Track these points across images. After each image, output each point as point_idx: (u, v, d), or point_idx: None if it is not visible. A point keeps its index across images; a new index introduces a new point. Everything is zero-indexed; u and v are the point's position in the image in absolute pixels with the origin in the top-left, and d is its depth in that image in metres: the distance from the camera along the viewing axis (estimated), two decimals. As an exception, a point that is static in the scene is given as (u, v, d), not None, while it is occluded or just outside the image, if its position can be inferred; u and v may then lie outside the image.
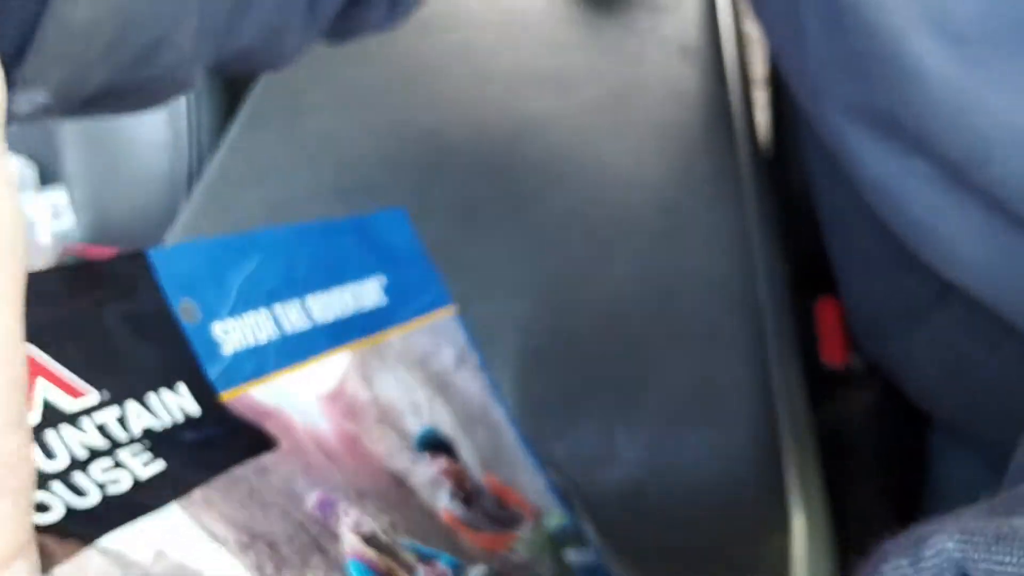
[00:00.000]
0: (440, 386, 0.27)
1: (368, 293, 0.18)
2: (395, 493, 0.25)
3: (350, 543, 0.24)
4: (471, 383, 0.27)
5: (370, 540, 0.24)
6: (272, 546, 0.23)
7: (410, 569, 0.24)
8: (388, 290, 0.18)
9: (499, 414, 0.28)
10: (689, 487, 0.38)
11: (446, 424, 0.26)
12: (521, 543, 0.27)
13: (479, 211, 0.44)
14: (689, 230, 0.44)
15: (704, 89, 0.49)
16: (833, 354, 0.63)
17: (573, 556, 0.29)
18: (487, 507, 0.27)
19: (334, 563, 0.23)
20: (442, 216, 0.45)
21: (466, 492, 0.27)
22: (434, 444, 0.26)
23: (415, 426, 0.26)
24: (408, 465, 0.26)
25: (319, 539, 0.23)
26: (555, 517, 0.29)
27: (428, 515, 0.26)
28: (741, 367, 0.39)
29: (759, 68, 0.70)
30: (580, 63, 0.51)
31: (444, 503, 0.26)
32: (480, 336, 0.41)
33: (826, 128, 0.41)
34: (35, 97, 0.26)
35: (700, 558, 0.38)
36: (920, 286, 0.48)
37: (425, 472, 0.26)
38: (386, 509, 0.25)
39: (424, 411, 0.26)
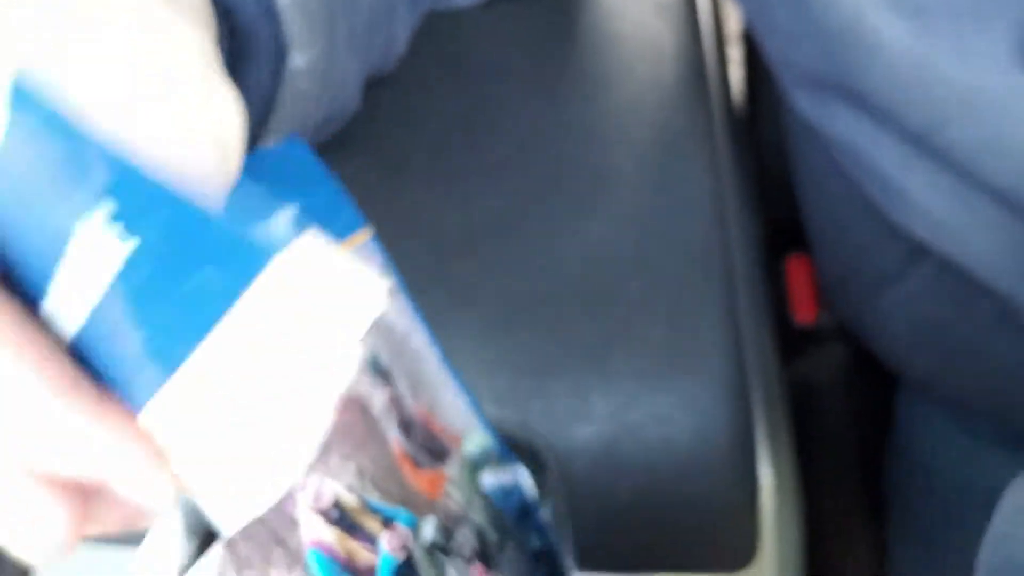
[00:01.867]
0: None
1: (279, 228, 0.18)
2: (361, 426, 0.25)
3: (309, 528, 0.24)
4: (392, 307, 0.27)
5: (330, 514, 0.24)
6: (230, 546, 0.23)
7: (372, 540, 0.24)
8: (298, 221, 0.18)
9: (421, 338, 0.28)
10: (661, 443, 0.38)
11: (382, 351, 0.26)
12: (452, 485, 0.28)
13: (454, 176, 0.44)
14: (664, 188, 0.44)
15: (679, 46, 0.49)
16: (804, 312, 0.64)
17: (489, 479, 0.29)
18: (420, 437, 0.28)
19: (295, 555, 0.24)
20: (419, 179, 0.44)
21: (405, 423, 0.27)
22: (380, 372, 0.27)
23: (364, 351, 0.26)
24: (368, 389, 0.26)
25: (278, 530, 0.24)
26: (475, 440, 0.29)
27: (386, 453, 0.26)
28: (712, 326, 0.40)
29: (733, 24, 0.69)
30: (554, 20, 0.50)
31: (394, 434, 0.26)
32: (457, 297, 0.41)
33: (796, 93, 0.41)
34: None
35: (671, 512, 0.39)
36: (892, 247, 0.48)
37: (380, 399, 0.26)
38: (353, 452, 0.25)
39: (366, 337, 0.27)
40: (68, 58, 0.18)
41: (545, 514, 0.31)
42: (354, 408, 0.25)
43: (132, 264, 0.18)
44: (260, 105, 0.30)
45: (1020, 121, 0.33)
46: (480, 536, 0.28)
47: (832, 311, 0.61)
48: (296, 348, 0.18)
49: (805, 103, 0.41)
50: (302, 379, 0.18)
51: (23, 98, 0.17)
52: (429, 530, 0.26)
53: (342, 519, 0.24)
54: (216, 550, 0.22)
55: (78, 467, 0.18)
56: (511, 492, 0.30)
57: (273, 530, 0.24)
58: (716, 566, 0.40)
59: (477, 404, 0.29)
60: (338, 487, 0.24)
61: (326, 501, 0.24)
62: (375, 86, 0.47)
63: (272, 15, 0.29)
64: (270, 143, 0.32)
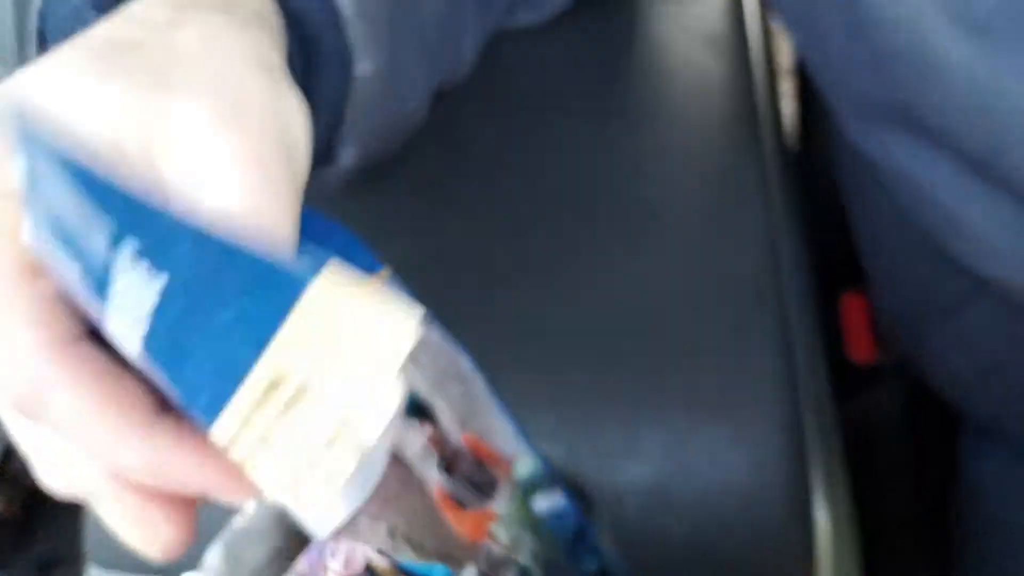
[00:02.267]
0: None
1: (304, 262, 0.19)
2: (393, 479, 0.25)
3: None
4: (431, 338, 0.27)
5: None
6: None
7: None
8: (318, 258, 0.19)
9: (465, 364, 0.28)
10: (712, 483, 0.37)
11: (420, 387, 0.27)
12: (499, 523, 0.27)
13: (503, 208, 0.44)
14: (715, 224, 0.44)
15: (730, 79, 0.49)
16: (859, 350, 0.63)
17: (541, 503, 0.29)
18: (467, 471, 0.27)
19: None
20: (469, 211, 0.45)
21: (448, 460, 0.27)
22: (417, 409, 0.27)
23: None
24: (401, 435, 0.26)
25: None
26: (526, 464, 0.29)
27: (424, 500, 0.26)
28: (766, 363, 0.39)
29: (785, 57, 0.69)
30: (604, 53, 0.50)
31: (434, 476, 0.26)
32: (505, 332, 0.41)
33: (851, 123, 0.41)
34: (349, 151, 0.33)
35: (725, 553, 0.38)
36: (951, 281, 0.47)
37: (416, 442, 0.26)
38: (383, 509, 0.25)
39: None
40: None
41: (598, 535, 0.30)
42: (384, 460, 0.25)
43: (166, 298, 0.18)
44: (330, 112, 0.31)
45: None
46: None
47: (889, 349, 0.60)
48: (339, 377, 0.18)
49: (860, 134, 0.41)
50: (347, 412, 0.19)
51: (30, 139, 0.18)
52: None
53: None
54: None
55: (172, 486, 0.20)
56: (564, 515, 0.30)
57: None
58: (771, 610, 0.39)
59: (523, 430, 0.29)
60: (369, 551, 0.24)
61: (357, 566, 0.24)
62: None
63: (338, 22, 0.30)
64: (347, 152, 0.33)
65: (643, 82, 0.49)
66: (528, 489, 0.29)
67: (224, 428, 0.19)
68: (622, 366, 0.39)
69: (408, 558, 0.25)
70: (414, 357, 0.26)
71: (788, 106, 0.66)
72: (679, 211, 0.44)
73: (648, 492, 0.38)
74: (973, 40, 0.33)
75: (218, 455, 0.19)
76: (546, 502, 0.30)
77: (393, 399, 0.19)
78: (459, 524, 0.27)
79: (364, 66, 0.31)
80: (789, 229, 0.48)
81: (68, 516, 0.53)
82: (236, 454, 0.19)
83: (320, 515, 0.22)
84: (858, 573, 0.44)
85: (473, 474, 0.28)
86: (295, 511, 0.21)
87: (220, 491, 0.20)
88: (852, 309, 0.64)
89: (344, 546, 0.24)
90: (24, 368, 0.19)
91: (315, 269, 0.18)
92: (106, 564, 0.40)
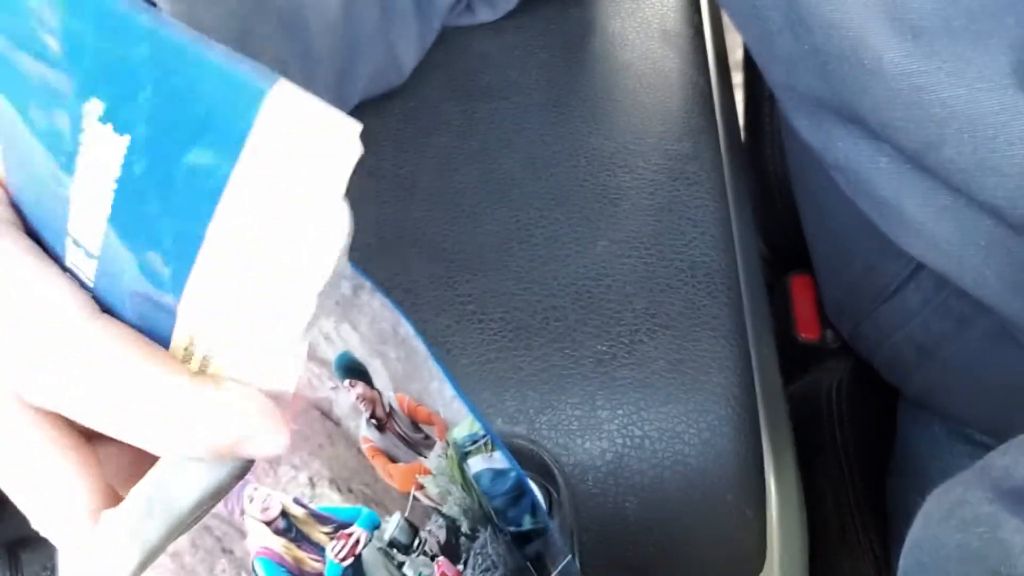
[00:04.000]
0: (343, 313, 0.27)
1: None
2: (319, 431, 0.26)
3: (256, 538, 0.24)
4: (373, 304, 0.27)
5: (278, 525, 0.24)
6: (175, 557, 0.23)
7: (320, 550, 0.25)
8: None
9: (406, 329, 0.28)
10: (670, 457, 0.39)
11: (356, 349, 0.27)
12: (430, 479, 0.28)
13: (463, 194, 0.45)
14: (671, 210, 0.45)
15: (685, 72, 0.50)
16: (807, 329, 0.65)
17: (478, 464, 0.29)
18: (401, 429, 0.28)
19: (241, 564, 0.24)
20: (427, 197, 0.45)
21: (380, 418, 0.27)
22: (350, 369, 0.27)
23: (330, 353, 0.26)
24: (330, 394, 0.26)
25: (223, 540, 0.24)
26: (464, 427, 0.29)
27: (351, 450, 0.27)
28: (719, 344, 0.40)
29: (738, 52, 0.71)
30: (563, 46, 0.51)
31: (363, 431, 0.27)
32: (465, 313, 0.42)
33: (796, 116, 0.42)
34: None
35: (680, 525, 0.39)
36: (891, 265, 0.49)
37: (346, 399, 0.26)
38: (307, 460, 0.25)
39: (334, 337, 0.27)
40: None
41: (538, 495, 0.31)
42: (310, 416, 0.26)
43: (129, 160, 0.17)
44: None
45: (1015, 140, 0.34)
46: (451, 529, 0.28)
47: (835, 328, 0.62)
48: (291, 200, 0.18)
49: (805, 126, 0.42)
50: (300, 236, 0.18)
51: None
52: (390, 528, 0.26)
53: (289, 529, 0.25)
54: (162, 560, 0.22)
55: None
56: (503, 475, 0.30)
57: (219, 538, 0.24)
58: (724, 577, 0.41)
59: (464, 395, 0.29)
60: (286, 499, 0.25)
61: (273, 512, 0.24)
62: (384, 103, 0.48)
63: None
64: None
65: (601, 74, 0.50)
66: (465, 451, 0.29)
67: (191, 296, 0.18)
68: (580, 347, 0.40)
69: (331, 503, 0.25)
70: (352, 322, 0.26)
71: (738, 97, 0.68)
72: (635, 198, 0.45)
73: (605, 467, 0.39)
74: (908, 41, 0.34)
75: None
76: (483, 463, 0.29)
77: (342, 222, 0.18)
78: (389, 475, 0.27)
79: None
80: (741, 215, 0.49)
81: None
82: (197, 325, 0.19)
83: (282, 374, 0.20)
84: (805, 540, 0.46)
85: (407, 431, 0.28)
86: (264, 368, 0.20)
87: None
88: (800, 290, 0.66)
89: (262, 492, 0.24)
90: None
91: (271, 79, 0.17)
92: (75, 544, 0.40)
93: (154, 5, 0.33)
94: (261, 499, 0.25)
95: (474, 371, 0.40)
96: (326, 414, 0.26)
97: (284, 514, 0.25)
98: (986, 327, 0.46)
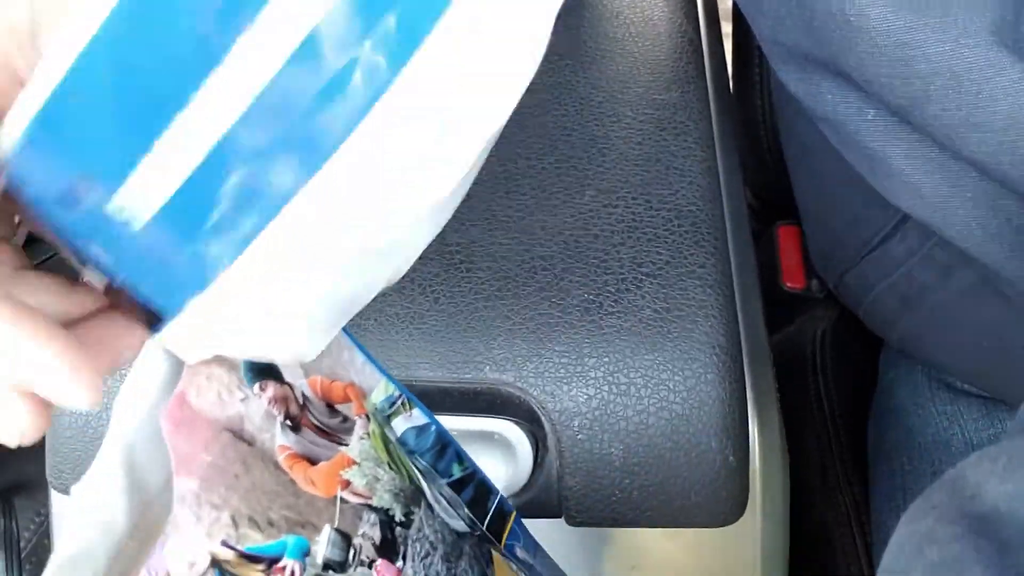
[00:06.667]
0: None
1: None
2: (235, 455, 0.25)
3: None
4: None
5: None
6: None
7: None
8: None
9: None
10: (655, 403, 0.39)
11: None
12: (356, 471, 0.27)
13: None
14: (659, 159, 0.45)
15: (674, 21, 0.50)
16: (793, 278, 0.65)
17: (400, 424, 0.29)
18: (317, 419, 0.27)
19: None
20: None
21: (295, 415, 0.27)
22: (259, 369, 0.26)
23: None
24: (240, 408, 0.25)
25: None
26: (380, 391, 0.29)
27: (269, 468, 0.25)
28: (705, 292, 0.41)
29: (726, 0, 0.70)
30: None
31: (279, 439, 0.26)
32: (452, 263, 0.42)
33: (783, 68, 0.42)
34: None
35: (665, 470, 0.40)
36: (877, 216, 0.49)
37: (257, 409, 0.26)
38: (227, 496, 0.24)
39: None
40: None
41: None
42: (222, 442, 0.25)
43: None
44: None
45: (998, 96, 0.34)
46: (385, 523, 0.28)
47: (820, 278, 0.63)
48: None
49: (793, 79, 0.42)
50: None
51: None
52: (322, 549, 0.26)
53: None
54: None
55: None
56: (425, 430, 0.30)
57: None
58: (707, 521, 0.42)
59: (373, 358, 0.29)
60: (213, 545, 0.24)
61: (201, 566, 0.24)
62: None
63: None
64: None
65: (589, 22, 0.50)
66: (386, 415, 0.29)
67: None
68: (567, 296, 0.41)
69: (255, 542, 0.24)
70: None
71: (727, 47, 0.68)
72: (622, 147, 0.45)
73: (591, 413, 0.39)
74: None
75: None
76: (405, 422, 0.29)
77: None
78: (311, 484, 0.26)
79: None
80: (728, 165, 0.49)
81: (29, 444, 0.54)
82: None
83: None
84: (786, 485, 0.46)
85: (324, 420, 0.27)
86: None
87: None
88: (787, 240, 0.67)
89: (182, 548, 0.23)
90: None
91: None
92: (67, 490, 0.40)
93: None
94: (187, 557, 0.24)
95: (462, 320, 0.40)
96: (238, 435, 0.25)
97: (214, 562, 0.24)
98: (969, 278, 0.46)
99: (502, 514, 0.32)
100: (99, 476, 0.24)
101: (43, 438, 0.42)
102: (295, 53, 0.18)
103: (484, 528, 0.31)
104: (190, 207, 0.19)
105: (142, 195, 0.19)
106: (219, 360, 0.25)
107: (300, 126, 0.18)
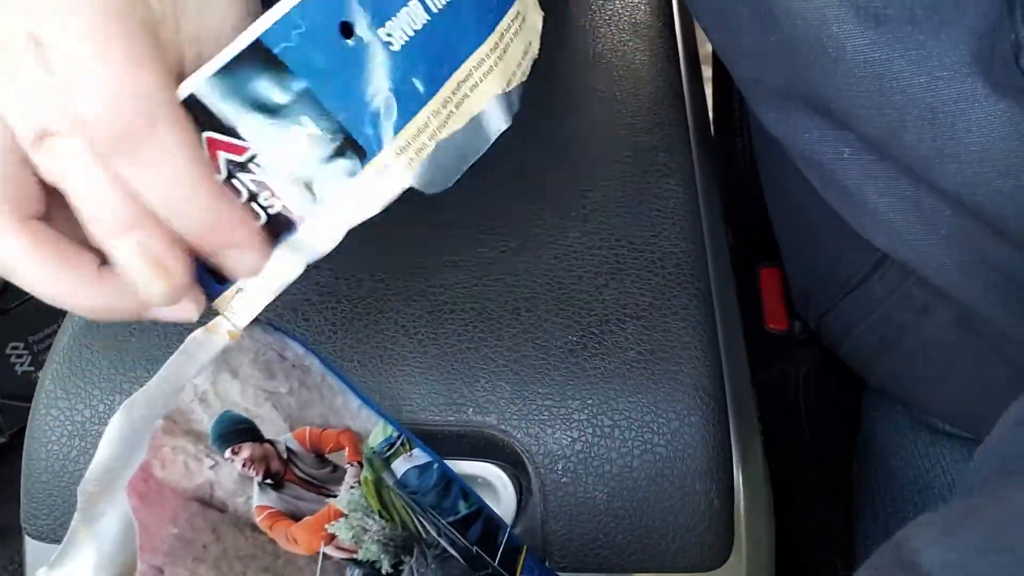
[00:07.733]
0: (220, 362, 0.25)
1: None
2: (204, 524, 0.24)
3: None
4: (253, 335, 0.26)
5: None
6: None
7: None
8: None
9: (295, 350, 0.27)
10: (639, 446, 0.39)
11: (237, 403, 0.25)
12: (342, 524, 0.27)
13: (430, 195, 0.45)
14: (641, 201, 0.45)
15: (655, 65, 0.51)
16: (775, 320, 0.65)
17: (402, 464, 0.29)
18: (304, 472, 0.27)
19: None
20: (397, 201, 0.45)
21: (277, 472, 0.26)
22: (231, 434, 0.25)
23: (206, 421, 0.25)
24: (210, 475, 0.25)
25: None
26: (378, 433, 0.29)
27: (243, 533, 0.25)
28: (688, 334, 0.41)
29: (706, 46, 0.71)
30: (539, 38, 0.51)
31: (256, 500, 0.25)
32: (436, 303, 0.42)
33: (763, 109, 0.43)
34: None
35: (649, 514, 0.40)
36: (856, 255, 0.50)
37: (229, 474, 0.25)
38: (198, 560, 0.24)
39: (211, 398, 0.25)
40: None
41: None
42: (190, 513, 0.24)
43: None
44: None
45: (972, 127, 0.35)
46: (371, 575, 0.27)
47: (802, 319, 0.63)
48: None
49: (772, 119, 0.42)
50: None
51: None
52: None
53: None
54: None
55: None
56: (427, 468, 0.30)
57: None
58: (693, 565, 0.41)
59: (369, 400, 0.29)
60: None
61: None
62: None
63: None
64: None
65: (572, 66, 0.50)
66: (385, 457, 0.28)
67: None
68: (551, 337, 0.40)
69: None
70: (232, 368, 0.24)
71: (707, 91, 0.68)
72: (605, 189, 0.45)
73: (574, 456, 0.39)
74: (871, 29, 0.35)
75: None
76: (406, 463, 0.29)
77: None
78: (293, 542, 0.26)
79: None
80: (710, 206, 0.50)
81: (4, 488, 0.53)
82: None
83: None
84: (771, 528, 0.46)
85: (311, 472, 0.27)
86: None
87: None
88: (769, 282, 0.67)
89: None
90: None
91: None
92: (41, 536, 0.40)
93: None
94: None
95: (445, 362, 0.40)
96: (207, 503, 0.25)
97: None
98: (947, 317, 0.47)
99: (514, 549, 0.32)
100: (68, 557, 0.23)
101: (17, 483, 0.41)
102: None
103: (496, 564, 0.31)
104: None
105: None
106: (185, 430, 0.25)
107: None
